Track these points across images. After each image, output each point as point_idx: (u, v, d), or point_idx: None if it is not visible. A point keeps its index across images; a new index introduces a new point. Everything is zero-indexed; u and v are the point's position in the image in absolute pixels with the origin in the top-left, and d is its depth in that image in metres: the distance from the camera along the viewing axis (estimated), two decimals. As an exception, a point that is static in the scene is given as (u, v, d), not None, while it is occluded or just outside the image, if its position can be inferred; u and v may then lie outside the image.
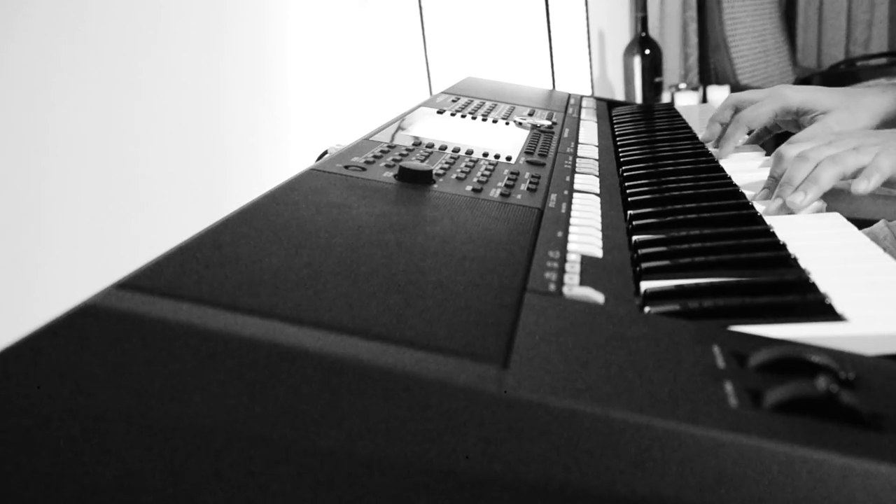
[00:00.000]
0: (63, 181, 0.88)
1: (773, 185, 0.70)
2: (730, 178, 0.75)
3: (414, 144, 0.74)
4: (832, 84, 1.36)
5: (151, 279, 0.35)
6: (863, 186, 0.66)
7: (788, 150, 0.70)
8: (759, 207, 0.66)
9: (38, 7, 0.85)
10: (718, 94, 2.06)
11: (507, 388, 0.29)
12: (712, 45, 2.34)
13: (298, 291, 0.36)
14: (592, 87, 1.91)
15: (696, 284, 0.48)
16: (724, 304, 0.45)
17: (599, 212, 0.62)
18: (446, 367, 0.30)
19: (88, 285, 0.35)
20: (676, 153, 0.88)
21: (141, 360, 0.29)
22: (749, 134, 0.91)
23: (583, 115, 1.11)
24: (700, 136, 0.93)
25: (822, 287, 0.46)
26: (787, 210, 0.66)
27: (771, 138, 0.93)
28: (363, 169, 0.62)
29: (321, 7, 1.37)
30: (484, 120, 0.94)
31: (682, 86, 2.08)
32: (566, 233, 0.54)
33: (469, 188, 0.61)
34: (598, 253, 0.51)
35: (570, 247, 0.51)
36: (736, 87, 2.20)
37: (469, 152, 0.75)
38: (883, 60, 2.57)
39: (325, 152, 0.82)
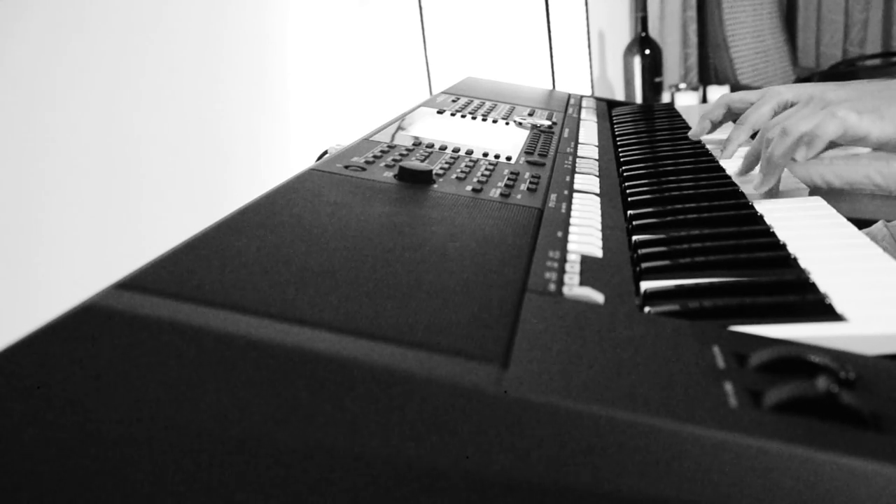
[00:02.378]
0: (63, 181, 0.88)
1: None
2: (730, 177, 0.75)
3: (414, 144, 0.74)
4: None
5: (151, 279, 0.35)
6: (800, 155, 0.63)
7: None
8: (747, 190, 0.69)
9: (38, 7, 0.85)
10: (718, 94, 2.06)
11: (507, 388, 0.29)
12: (712, 45, 2.34)
13: (298, 291, 0.36)
14: (592, 87, 1.91)
15: (696, 284, 0.48)
16: (724, 304, 0.45)
17: (599, 212, 0.62)
18: (446, 366, 0.30)
19: (88, 285, 0.35)
20: (676, 153, 0.88)
21: (141, 360, 0.29)
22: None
23: (583, 115, 1.11)
24: (690, 131, 0.93)
25: (822, 287, 0.46)
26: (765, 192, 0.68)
27: None
28: (363, 169, 0.62)
29: (321, 7, 1.37)
30: (484, 120, 0.94)
31: (682, 86, 2.08)
32: (566, 233, 0.54)
33: (469, 188, 0.61)
34: (598, 253, 0.51)
35: (570, 247, 0.51)
36: (736, 87, 2.20)
37: (469, 152, 0.75)
38: (877, 61, 2.57)
39: (325, 152, 0.82)
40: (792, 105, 0.86)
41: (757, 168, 0.73)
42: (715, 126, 0.91)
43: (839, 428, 0.29)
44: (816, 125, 0.64)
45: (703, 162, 0.83)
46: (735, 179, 0.75)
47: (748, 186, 0.72)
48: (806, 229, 0.60)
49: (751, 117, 0.87)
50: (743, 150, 0.88)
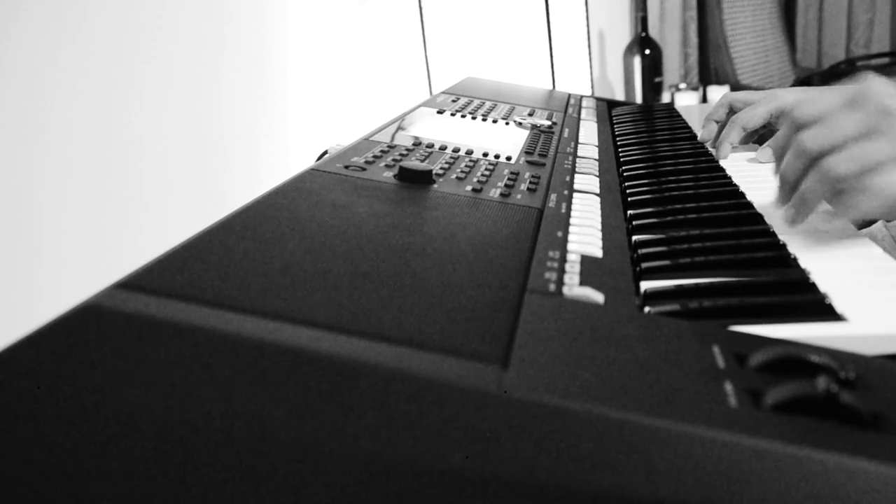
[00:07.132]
0: (63, 181, 0.88)
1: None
2: (730, 178, 0.75)
3: (414, 144, 0.74)
4: (832, 85, 1.36)
5: (151, 279, 0.35)
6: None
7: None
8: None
9: (38, 7, 0.85)
10: (718, 94, 2.06)
11: (507, 388, 0.29)
12: (712, 45, 2.34)
13: (298, 291, 0.36)
14: (592, 87, 1.91)
15: (696, 284, 0.48)
16: (724, 304, 0.45)
17: (599, 212, 0.62)
18: (446, 367, 0.30)
19: (88, 285, 0.35)
20: (676, 153, 0.88)
21: (141, 360, 0.29)
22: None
23: (583, 115, 1.11)
24: (698, 135, 0.93)
25: (822, 287, 0.46)
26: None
27: (766, 133, 0.94)
28: (363, 169, 0.62)
29: (321, 7, 1.37)
30: (484, 120, 0.94)
31: (682, 86, 2.08)
32: (566, 233, 0.54)
33: (469, 188, 0.61)
34: (598, 253, 0.51)
35: (570, 247, 0.51)
36: (736, 87, 2.20)
37: (469, 152, 0.75)
38: (884, 60, 2.57)
39: (325, 152, 0.82)
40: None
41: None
42: (721, 126, 0.91)
43: (839, 428, 0.29)
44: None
45: (703, 162, 0.83)
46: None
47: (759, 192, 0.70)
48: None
49: (742, 117, 0.86)
50: (737, 154, 0.88)
